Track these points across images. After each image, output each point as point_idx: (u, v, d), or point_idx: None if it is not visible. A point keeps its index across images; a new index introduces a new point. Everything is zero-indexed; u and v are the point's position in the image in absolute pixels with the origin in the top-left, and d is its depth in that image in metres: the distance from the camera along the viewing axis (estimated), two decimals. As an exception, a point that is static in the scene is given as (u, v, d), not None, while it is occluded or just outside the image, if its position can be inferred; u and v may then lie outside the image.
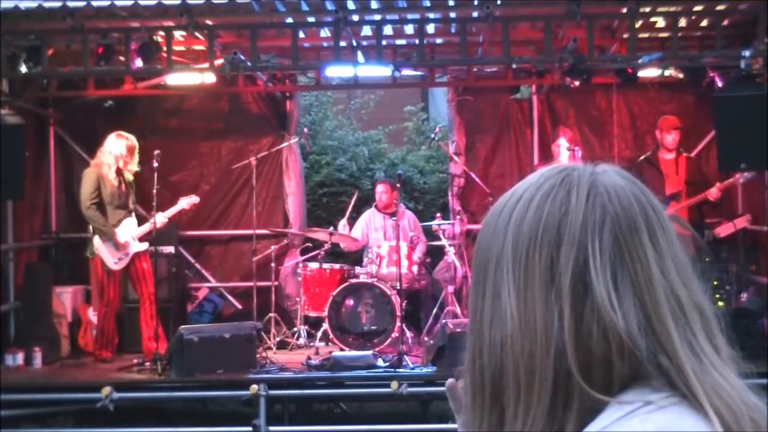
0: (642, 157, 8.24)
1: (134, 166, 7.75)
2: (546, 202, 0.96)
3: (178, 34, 8.08)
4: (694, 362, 0.93)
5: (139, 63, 7.66)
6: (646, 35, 8.60)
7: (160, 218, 7.75)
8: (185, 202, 7.99)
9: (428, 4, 7.61)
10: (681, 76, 8.56)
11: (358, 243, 8.75)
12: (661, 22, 8.27)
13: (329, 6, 7.40)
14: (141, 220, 7.90)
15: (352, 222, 9.00)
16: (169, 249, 8.78)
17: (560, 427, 0.92)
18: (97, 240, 7.63)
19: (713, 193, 7.74)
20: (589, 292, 0.92)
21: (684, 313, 0.94)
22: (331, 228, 8.69)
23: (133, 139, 7.75)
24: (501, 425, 0.96)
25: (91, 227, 7.71)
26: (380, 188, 8.93)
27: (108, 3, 7.26)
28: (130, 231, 7.72)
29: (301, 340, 8.25)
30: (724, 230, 8.41)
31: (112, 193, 7.65)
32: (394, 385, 6.71)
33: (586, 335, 0.91)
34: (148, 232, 7.74)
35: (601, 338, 0.91)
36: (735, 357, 0.98)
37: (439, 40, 9.03)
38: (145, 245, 7.77)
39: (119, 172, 7.67)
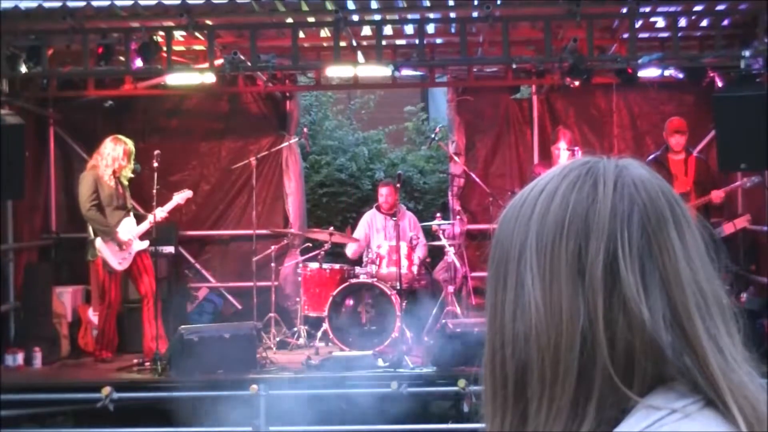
0: (651, 157, 8.25)
1: (128, 170, 7.77)
2: (572, 192, 0.95)
3: (178, 34, 8.08)
4: (720, 359, 0.92)
5: (139, 63, 7.66)
6: (646, 35, 8.61)
7: (160, 213, 7.77)
8: (180, 197, 8.00)
9: (428, 4, 7.61)
10: (681, 76, 8.56)
11: (362, 246, 8.75)
12: (661, 22, 8.27)
13: (329, 6, 7.40)
14: (139, 220, 7.90)
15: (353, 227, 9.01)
16: (169, 249, 8.79)
17: (579, 423, 0.91)
18: (99, 242, 7.63)
19: (717, 196, 7.75)
20: (617, 284, 0.91)
21: (708, 309, 0.93)
22: (331, 228, 8.69)
23: (129, 144, 7.76)
24: (523, 420, 0.94)
25: (91, 230, 7.72)
26: (384, 191, 8.88)
27: (108, 3, 7.26)
28: (130, 230, 7.73)
29: (301, 340, 8.25)
30: (724, 230, 8.41)
31: (110, 195, 7.67)
32: (394, 385, 6.71)
33: (615, 327, 0.90)
34: (148, 229, 7.76)
35: (627, 331, 0.90)
36: (748, 357, 0.98)
37: (439, 40, 9.03)
38: (145, 243, 7.78)
39: (115, 175, 7.68)
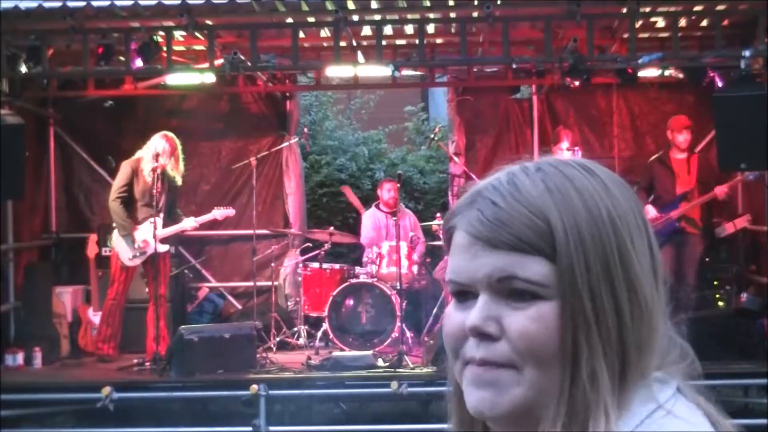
0: (654, 157, 8.26)
1: (176, 169, 7.67)
2: (610, 190, 0.96)
3: (178, 34, 8.08)
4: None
5: (139, 63, 7.66)
6: (646, 35, 8.61)
7: (191, 222, 7.76)
8: (219, 213, 7.99)
9: (428, 4, 7.61)
10: (681, 76, 8.56)
11: (371, 240, 8.68)
12: (661, 22, 8.27)
13: (329, 6, 7.40)
14: (171, 223, 7.82)
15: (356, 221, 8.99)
16: (169, 249, 8.78)
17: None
18: (116, 233, 7.65)
19: (721, 192, 7.76)
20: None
21: None
22: (332, 228, 8.68)
23: (177, 142, 7.69)
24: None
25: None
26: (388, 186, 8.82)
27: (108, 3, 7.26)
28: (152, 231, 7.53)
29: (301, 340, 8.25)
30: (726, 229, 8.42)
31: (144, 190, 7.61)
32: (394, 385, 6.71)
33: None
34: (174, 233, 7.73)
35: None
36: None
37: (439, 40, 9.03)
38: (166, 247, 7.73)
39: (158, 171, 7.55)
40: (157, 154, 7.54)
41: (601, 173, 0.97)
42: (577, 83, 7.94)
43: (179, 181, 7.77)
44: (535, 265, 0.92)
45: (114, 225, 7.72)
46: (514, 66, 8.39)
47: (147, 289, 7.86)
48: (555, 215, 0.92)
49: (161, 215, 7.69)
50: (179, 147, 7.72)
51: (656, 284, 0.95)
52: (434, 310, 8.38)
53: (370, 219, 8.87)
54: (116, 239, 7.67)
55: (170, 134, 7.73)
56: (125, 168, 7.67)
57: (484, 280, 0.94)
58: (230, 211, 8.12)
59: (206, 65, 7.89)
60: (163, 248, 7.72)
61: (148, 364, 7.38)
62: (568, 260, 0.91)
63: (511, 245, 0.93)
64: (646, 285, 0.93)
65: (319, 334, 7.99)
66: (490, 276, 0.93)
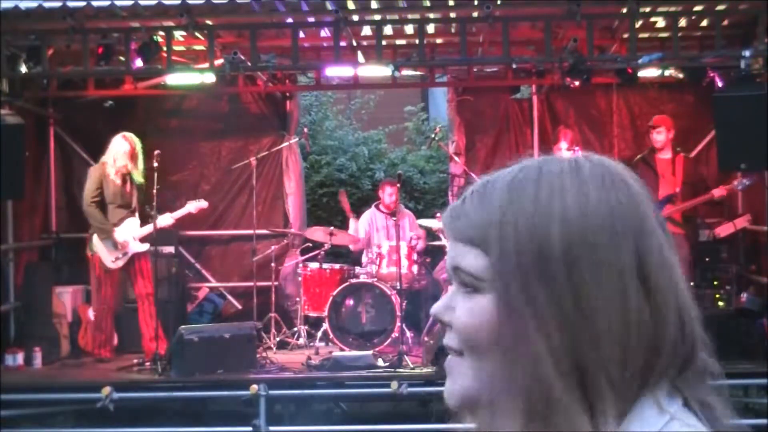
0: (638, 157, 8.24)
1: (135, 169, 7.74)
2: (601, 190, 0.93)
3: (178, 34, 8.08)
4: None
5: (139, 63, 7.66)
6: (646, 35, 8.60)
7: (167, 219, 7.77)
8: (193, 206, 7.99)
9: (428, 4, 7.61)
10: (681, 76, 8.56)
11: (361, 242, 8.74)
12: (661, 22, 8.27)
13: (329, 6, 7.40)
14: (148, 221, 7.87)
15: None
16: (169, 249, 8.78)
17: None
18: (95, 238, 7.65)
19: (719, 193, 7.76)
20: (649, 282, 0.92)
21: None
22: (332, 228, 8.68)
23: (135, 142, 7.74)
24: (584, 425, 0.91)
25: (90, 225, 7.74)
26: (389, 189, 8.80)
27: (108, 3, 7.26)
28: (131, 231, 7.73)
29: (301, 340, 8.25)
30: (724, 230, 8.42)
31: (114, 192, 7.68)
32: (394, 385, 6.71)
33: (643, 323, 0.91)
34: (150, 233, 7.75)
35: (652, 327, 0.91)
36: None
37: (439, 40, 9.03)
38: (145, 246, 7.77)
39: (122, 172, 7.67)
40: (116, 158, 7.63)
41: (590, 172, 0.94)
42: (577, 83, 7.94)
43: (139, 179, 7.80)
44: (472, 258, 0.94)
45: (91, 231, 7.72)
46: (514, 66, 8.39)
47: (133, 291, 7.90)
48: (496, 209, 0.93)
49: (135, 215, 7.78)
50: (138, 146, 7.76)
51: (643, 286, 0.90)
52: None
53: (366, 218, 8.89)
54: (96, 244, 7.66)
55: (129, 135, 7.78)
56: (93, 173, 7.74)
57: (449, 270, 0.98)
58: (203, 204, 8.08)
59: (206, 65, 7.89)
60: (143, 247, 7.76)
61: (148, 364, 7.38)
62: (497, 253, 0.92)
63: (459, 238, 0.96)
64: (605, 282, 0.89)
65: (319, 334, 7.99)
66: (449, 266, 0.98)
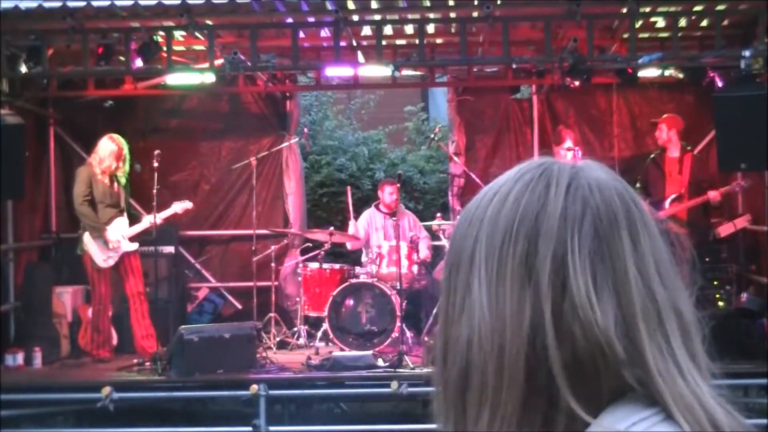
0: (651, 156, 8.28)
1: (121, 170, 7.75)
2: (524, 194, 0.92)
3: (178, 34, 8.08)
4: (665, 368, 0.88)
5: (139, 63, 7.67)
6: (646, 35, 8.61)
7: (155, 219, 7.77)
8: (179, 207, 8.00)
9: (428, 4, 7.61)
10: (681, 76, 8.56)
11: (360, 242, 8.74)
12: (661, 22, 8.27)
13: (329, 6, 7.40)
14: (136, 220, 7.90)
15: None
16: (169, 249, 8.79)
17: (543, 426, 0.87)
18: (87, 237, 7.66)
19: (714, 196, 7.74)
20: (568, 289, 0.87)
21: (659, 315, 0.89)
22: (332, 228, 8.68)
23: (123, 144, 7.76)
24: (464, 425, 0.91)
25: (81, 224, 7.75)
26: (389, 189, 8.79)
27: (108, 3, 7.26)
28: (120, 230, 7.74)
29: (301, 340, 8.25)
30: (724, 230, 8.41)
31: (103, 192, 7.70)
32: (394, 385, 6.71)
33: (568, 335, 0.86)
34: (141, 232, 7.77)
35: (583, 340, 0.86)
36: (711, 365, 0.93)
37: (439, 40, 9.03)
38: (135, 245, 7.78)
39: (108, 173, 7.69)
40: (102, 159, 7.65)
41: (562, 177, 0.93)
42: (577, 83, 7.95)
43: (123, 180, 7.82)
44: None
45: (81, 230, 7.74)
46: (514, 66, 8.40)
47: (124, 289, 7.88)
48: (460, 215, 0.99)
49: (124, 214, 7.81)
50: (125, 148, 7.78)
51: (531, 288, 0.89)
52: (434, 310, 8.37)
53: (365, 218, 8.88)
54: (88, 243, 7.66)
55: (116, 136, 7.81)
56: (82, 174, 7.75)
57: None
58: (188, 204, 8.08)
59: (206, 65, 7.89)
60: (133, 246, 7.78)
61: (148, 364, 7.37)
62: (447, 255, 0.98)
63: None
64: (508, 287, 0.89)
65: (319, 334, 7.99)
66: None
